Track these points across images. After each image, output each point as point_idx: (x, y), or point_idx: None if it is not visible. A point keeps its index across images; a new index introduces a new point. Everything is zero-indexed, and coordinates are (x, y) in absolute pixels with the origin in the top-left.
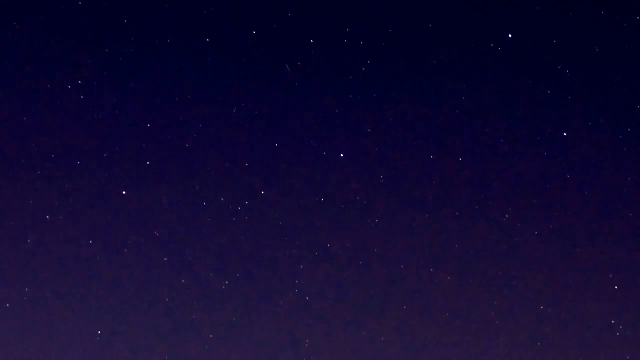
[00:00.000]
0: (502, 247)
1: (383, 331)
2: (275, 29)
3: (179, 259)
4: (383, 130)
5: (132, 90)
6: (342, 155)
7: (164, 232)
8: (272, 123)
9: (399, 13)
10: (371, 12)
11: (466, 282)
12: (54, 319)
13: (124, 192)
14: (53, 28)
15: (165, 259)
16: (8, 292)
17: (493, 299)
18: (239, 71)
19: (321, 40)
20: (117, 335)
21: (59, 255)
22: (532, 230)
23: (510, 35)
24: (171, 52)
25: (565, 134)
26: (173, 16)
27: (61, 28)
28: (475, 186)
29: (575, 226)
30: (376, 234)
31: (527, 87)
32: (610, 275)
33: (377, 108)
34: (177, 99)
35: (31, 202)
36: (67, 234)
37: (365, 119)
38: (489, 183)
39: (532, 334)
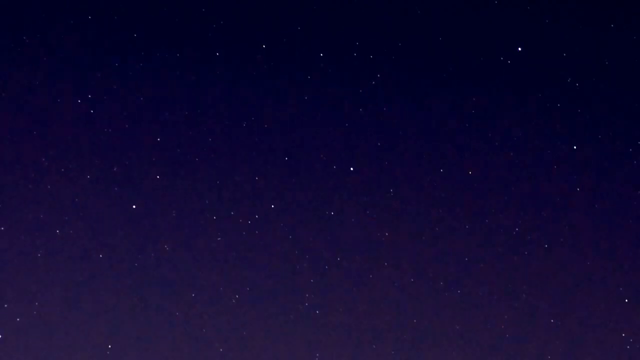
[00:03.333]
0: (512, 260)
1: (394, 344)
2: (285, 42)
3: (189, 272)
4: (393, 144)
5: (142, 104)
6: (352, 169)
7: (174, 246)
8: (282, 136)
9: (409, 27)
10: (381, 25)
11: (477, 295)
12: (64, 332)
13: (134, 207)
14: (65, 43)
15: (175, 273)
16: (18, 306)
17: (503, 311)
18: (249, 85)
19: (331, 53)
20: (127, 349)
21: (68, 269)
22: (543, 244)
23: (519, 49)
24: (181, 66)
25: (575, 147)
26: (184, 32)
27: (73, 42)
28: (485, 199)
29: (587, 238)
30: (386, 247)
31: (536, 100)
32: (621, 289)
33: (387, 121)
34: (186, 112)
35: (41, 215)
36: (77, 247)
37: (375, 132)
38: (499, 195)
39: (542, 347)
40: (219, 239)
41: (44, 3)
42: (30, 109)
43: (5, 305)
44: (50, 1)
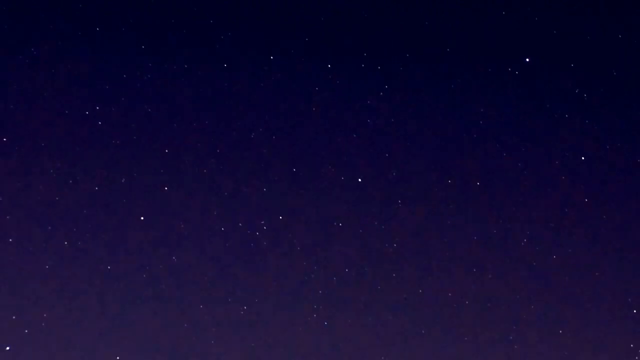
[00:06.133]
0: (520, 270)
1: (402, 354)
2: (293, 53)
3: (197, 283)
4: (401, 154)
5: (150, 116)
6: (359, 179)
7: (182, 257)
8: (289, 147)
9: (417, 39)
10: (389, 37)
11: (486, 305)
12: (72, 343)
13: (142, 218)
14: (73, 54)
15: (183, 284)
16: (26, 317)
17: (512, 321)
18: (257, 95)
19: (339, 64)
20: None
21: (77, 280)
22: (551, 254)
23: (527, 59)
24: (189, 77)
25: (582, 157)
26: (194, 44)
27: (81, 53)
28: (494, 209)
29: (596, 249)
30: (394, 258)
31: (544, 111)
32: (629, 299)
33: (395, 132)
34: (194, 124)
35: (49, 227)
36: (85, 259)
37: (383, 143)
38: (507, 206)
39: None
40: (226, 250)
41: (50, 15)
42: (38, 121)
43: (14, 317)
44: (56, 13)
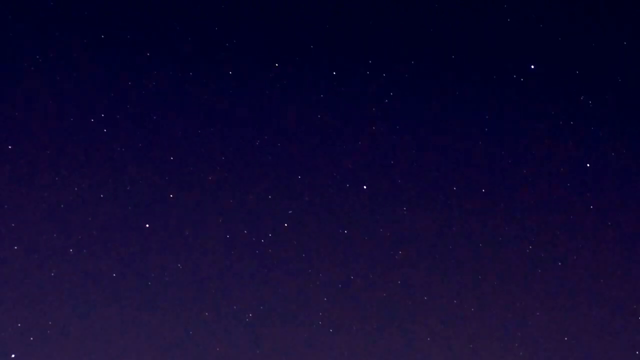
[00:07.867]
0: (527, 277)
1: None
2: (298, 60)
3: (202, 290)
4: (406, 162)
5: (155, 123)
6: (365, 187)
7: (187, 264)
8: (295, 155)
9: (422, 45)
10: (394, 43)
11: (491, 313)
12: (77, 351)
13: (147, 225)
14: (79, 62)
15: (188, 292)
16: (31, 324)
17: (517, 327)
18: (262, 103)
19: (344, 71)
20: None
21: (82, 288)
22: (556, 262)
23: (532, 66)
24: (194, 84)
25: (588, 165)
26: (200, 52)
27: (87, 62)
28: (499, 217)
29: (602, 256)
30: (399, 265)
31: (549, 118)
32: (635, 306)
33: (400, 139)
34: (199, 131)
35: (54, 234)
36: (90, 267)
37: (388, 150)
38: (513, 213)
39: None
40: (232, 257)
41: (54, 20)
42: (43, 127)
43: (19, 324)
44: (62, 19)
